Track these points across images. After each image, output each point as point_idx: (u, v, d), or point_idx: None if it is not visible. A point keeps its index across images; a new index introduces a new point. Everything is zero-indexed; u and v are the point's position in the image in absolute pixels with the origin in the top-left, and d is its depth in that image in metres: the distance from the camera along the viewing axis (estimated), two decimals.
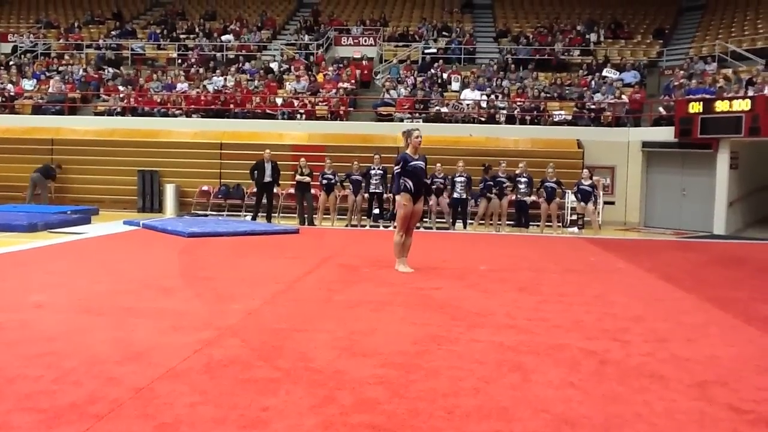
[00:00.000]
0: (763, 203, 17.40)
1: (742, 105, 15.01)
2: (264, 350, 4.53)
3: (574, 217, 15.29)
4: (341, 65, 21.07)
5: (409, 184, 7.91)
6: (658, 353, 4.73)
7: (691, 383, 4.08)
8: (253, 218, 14.77)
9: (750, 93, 15.63)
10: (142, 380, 3.82)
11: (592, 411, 3.58)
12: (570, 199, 15.39)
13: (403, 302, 6.25)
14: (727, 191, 15.46)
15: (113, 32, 24.53)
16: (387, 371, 4.13)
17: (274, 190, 15.10)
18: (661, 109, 17.29)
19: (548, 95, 18.80)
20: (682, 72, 18.45)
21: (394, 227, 8.60)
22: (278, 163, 14.91)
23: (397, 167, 7.99)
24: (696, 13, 23.87)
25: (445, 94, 19.18)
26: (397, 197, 7.96)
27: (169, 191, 16.59)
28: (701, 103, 15.60)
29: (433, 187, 14.00)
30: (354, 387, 3.83)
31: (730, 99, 15.35)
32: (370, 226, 14.59)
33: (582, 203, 14.59)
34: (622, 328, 5.44)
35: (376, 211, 14.71)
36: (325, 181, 14.65)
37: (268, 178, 14.55)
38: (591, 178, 14.71)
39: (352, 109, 18.97)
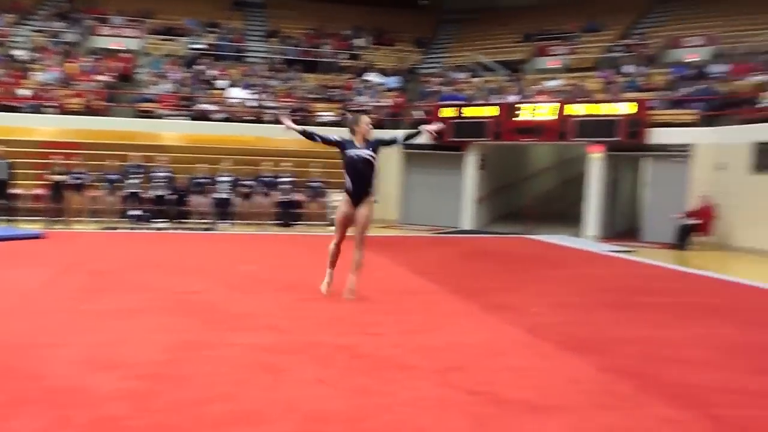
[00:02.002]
0: (507, 200, 19.26)
1: (489, 111, 16.51)
2: None
3: None
4: (99, 56, 19.64)
5: (348, 183, 6.49)
6: (407, 344, 4.99)
7: (434, 370, 4.34)
8: None
9: (495, 100, 17.24)
10: None
11: (341, 406, 3.67)
12: (334, 197, 15.82)
13: (157, 308, 5.95)
14: (474, 189, 16.92)
15: None
16: (133, 384, 3.89)
17: (15, 191, 13.69)
18: (415, 113, 18.38)
19: (315, 96, 19.19)
20: (438, 79, 19.84)
21: None
22: (26, 161, 13.55)
23: (333, 136, 6.68)
24: (452, 26, 25.76)
25: (211, 91, 18.72)
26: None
27: None
28: (453, 108, 16.90)
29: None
30: (93, 404, 3.55)
31: (479, 105, 16.81)
32: (129, 229, 13.78)
33: None
34: (375, 322, 5.67)
35: (135, 212, 13.94)
36: (78, 181, 13.56)
37: (2, 177, 13.17)
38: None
39: (110, 103, 17.79)
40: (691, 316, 6.49)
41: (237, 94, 18.51)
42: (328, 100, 19.21)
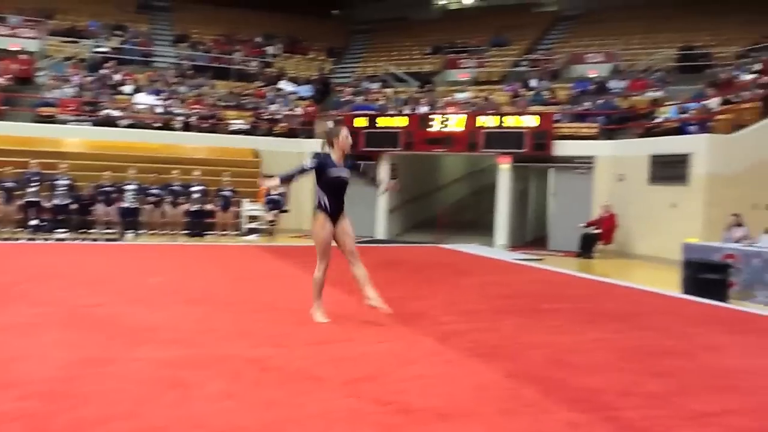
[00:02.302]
0: (418, 210, 19.51)
1: (400, 122, 16.70)
2: None
3: (252, 225, 15.56)
4: None
5: (325, 201, 6.08)
6: (317, 355, 4.95)
7: (344, 381, 4.32)
8: None
9: (406, 111, 17.46)
10: None
11: (250, 420, 3.60)
12: (247, 207, 15.62)
13: (57, 323, 5.68)
14: (387, 199, 17.05)
15: None
16: (28, 404, 3.69)
17: None
18: (328, 122, 18.36)
19: (226, 104, 18.89)
20: (350, 89, 19.92)
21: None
22: None
23: (308, 163, 6.12)
24: (364, 36, 25.95)
25: (117, 96, 18.11)
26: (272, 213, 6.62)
27: None
28: (366, 118, 17.00)
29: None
30: None
31: (390, 116, 16.97)
32: (27, 240, 13.11)
33: (273, 212, 15.11)
34: (286, 334, 5.61)
35: (34, 221, 13.29)
36: None
37: None
38: (279, 188, 15.35)
39: (7, 107, 16.90)
40: (593, 321, 6.75)
41: (144, 99, 17.97)
42: (239, 107, 18.93)
